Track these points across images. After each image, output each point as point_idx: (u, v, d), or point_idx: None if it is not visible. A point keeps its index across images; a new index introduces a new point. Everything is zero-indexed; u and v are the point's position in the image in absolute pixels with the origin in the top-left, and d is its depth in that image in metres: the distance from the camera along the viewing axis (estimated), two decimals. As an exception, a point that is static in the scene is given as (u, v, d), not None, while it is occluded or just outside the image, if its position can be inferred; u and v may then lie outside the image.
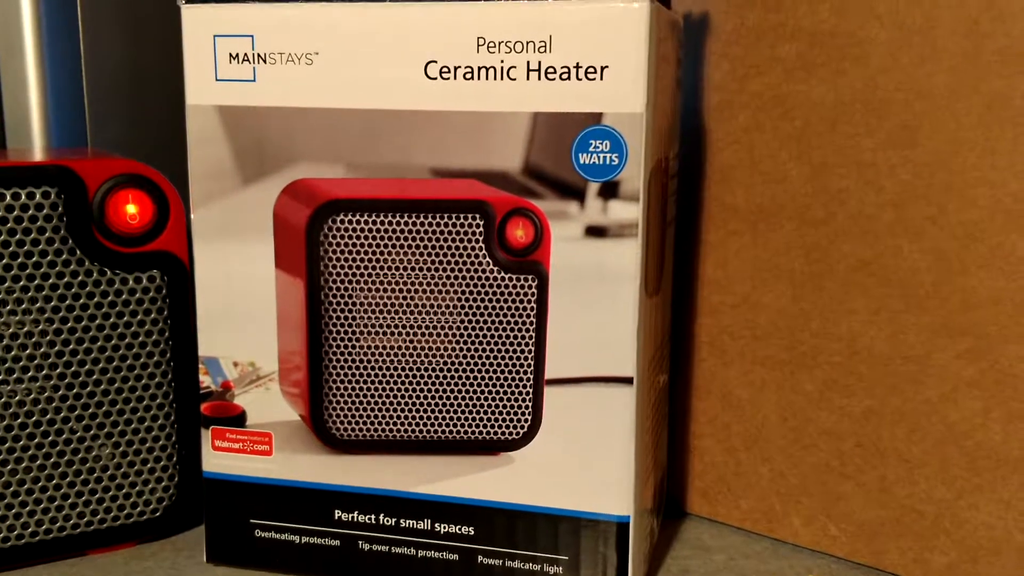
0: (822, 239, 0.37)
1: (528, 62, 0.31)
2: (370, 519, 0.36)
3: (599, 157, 0.31)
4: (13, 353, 0.36)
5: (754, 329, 0.39)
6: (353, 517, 0.36)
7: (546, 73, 0.31)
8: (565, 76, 0.31)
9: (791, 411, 0.39)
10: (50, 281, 0.36)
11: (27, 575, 0.37)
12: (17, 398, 0.36)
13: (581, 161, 0.32)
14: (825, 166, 0.37)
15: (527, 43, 0.31)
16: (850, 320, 0.37)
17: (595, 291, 0.32)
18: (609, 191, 0.32)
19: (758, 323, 0.39)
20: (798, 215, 0.37)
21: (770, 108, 0.38)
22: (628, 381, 0.33)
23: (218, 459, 0.36)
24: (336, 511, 0.36)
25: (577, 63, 0.31)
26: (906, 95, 0.34)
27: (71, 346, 0.37)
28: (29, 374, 0.36)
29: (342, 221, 0.34)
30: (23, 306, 0.36)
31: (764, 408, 0.39)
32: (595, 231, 0.32)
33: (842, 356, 0.37)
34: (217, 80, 0.34)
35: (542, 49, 0.31)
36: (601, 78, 0.31)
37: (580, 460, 0.33)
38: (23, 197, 0.35)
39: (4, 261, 0.35)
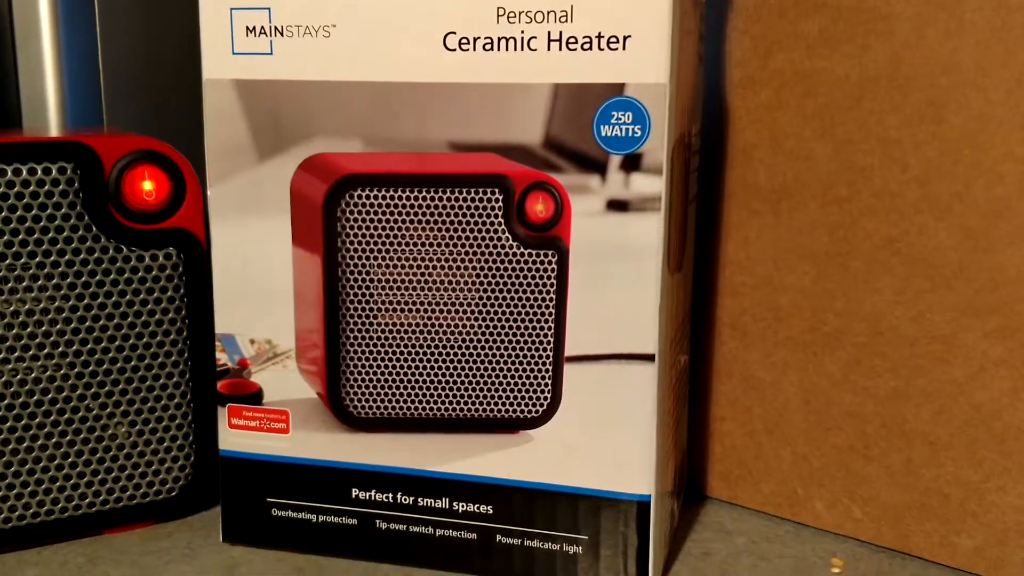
0: (846, 217, 0.36)
1: (549, 32, 0.31)
2: (387, 498, 0.35)
3: (621, 129, 0.31)
4: (29, 330, 0.36)
5: (776, 310, 0.38)
6: (370, 496, 0.35)
7: (567, 43, 0.31)
8: (587, 46, 0.31)
9: (814, 393, 0.38)
10: (66, 258, 0.36)
11: (43, 554, 0.37)
12: (33, 376, 0.36)
13: (603, 133, 0.31)
14: (849, 143, 0.36)
15: (548, 13, 0.31)
16: (875, 300, 0.36)
17: (617, 266, 0.32)
18: (631, 164, 0.31)
19: (780, 304, 0.38)
20: (821, 193, 0.37)
21: (793, 85, 0.37)
22: (650, 358, 0.32)
23: (235, 437, 0.36)
24: (353, 489, 0.35)
25: (599, 33, 0.30)
26: (932, 70, 0.34)
27: (87, 324, 0.36)
28: (45, 351, 0.36)
29: (360, 196, 0.33)
30: (39, 283, 0.36)
31: (786, 390, 0.39)
32: (617, 205, 0.32)
33: (866, 336, 0.36)
34: (234, 54, 0.34)
35: (563, 19, 0.31)
36: (624, 48, 0.30)
37: (600, 439, 0.33)
38: (39, 172, 0.35)
39: (20, 237, 0.35)
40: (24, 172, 0.35)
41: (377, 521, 0.35)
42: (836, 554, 0.37)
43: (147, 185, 0.37)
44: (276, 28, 0.33)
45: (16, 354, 0.36)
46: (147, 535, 0.38)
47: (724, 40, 0.39)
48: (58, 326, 0.36)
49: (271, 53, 0.33)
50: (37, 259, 0.35)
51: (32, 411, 0.36)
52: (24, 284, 0.35)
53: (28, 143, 0.35)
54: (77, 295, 0.36)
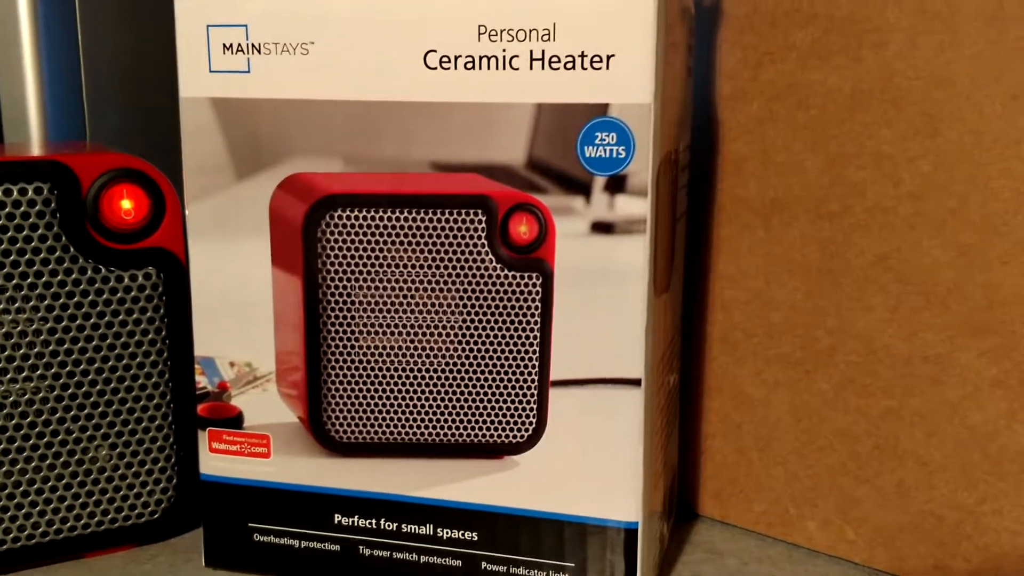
0: (838, 233, 0.36)
1: (531, 51, 0.30)
2: (371, 524, 0.35)
3: (605, 150, 0.30)
4: (7, 352, 0.35)
5: (767, 326, 0.38)
6: (353, 521, 0.35)
7: (550, 62, 0.30)
8: (570, 65, 0.30)
9: (805, 411, 0.37)
10: (44, 279, 0.35)
11: (23, 579, 0.36)
12: (12, 398, 0.35)
13: (587, 154, 0.30)
14: (841, 157, 0.35)
15: (530, 31, 0.30)
16: (867, 317, 0.35)
17: (602, 289, 0.31)
18: (616, 185, 0.30)
19: (772, 320, 0.38)
20: (813, 208, 0.36)
21: (784, 97, 0.36)
22: (636, 383, 0.31)
23: (215, 461, 0.36)
24: (336, 515, 0.35)
25: (582, 52, 0.30)
26: (926, 83, 0.33)
27: (66, 345, 0.36)
28: (23, 374, 0.35)
29: (340, 217, 0.33)
30: (16, 304, 0.35)
31: (778, 408, 0.38)
32: (602, 227, 0.31)
33: (859, 355, 0.36)
34: (211, 71, 0.33)
35: (546, 37, 0.30)
36: (607, 67, 0.30)
37: (586, 464, 0.32)
38: (15, 193, 0.34)
39: (-5, 259, 0.34)
40: (0, 193, 0.34)
41: (360, 547, 0.35)
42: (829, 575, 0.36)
43: (126, 204, 0.36)
44: (253, 45, 0.32)
45: (-7, 378, 0.35)
46: (129, 558, 0.38)
47: (714, 51, 0.38)
48: (36, 348, 0.35)
49: (248, 71, 0.33)
50: (14, 280, 0.35)
51: (11, 434, 0.35)
52: (1, 306, 0.35)
53: (5, 163, 0.34)
54: (55, 316, 0.35)
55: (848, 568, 0.37)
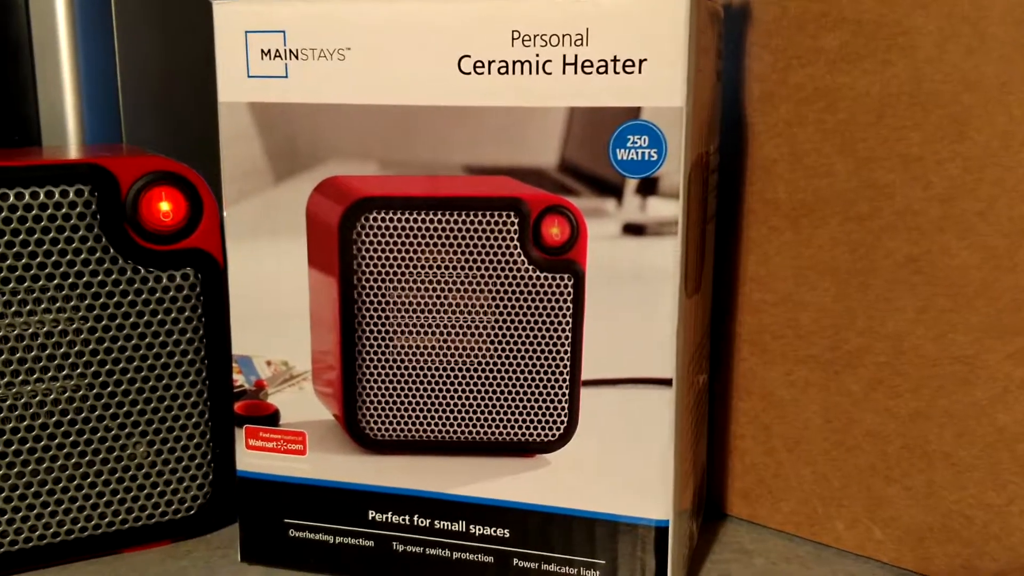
0: (867, 235, 0.36)
1: (564, 56, 0.31)
2: (404, 520, 0.35)
3: (637, 153, 0.31)
4: (48, 351, 0.36)
5: (797, 328, 0.38)
6: (387, 518, 0.35)
7: (583, 67, 0.31)
8: (602, 70, 0.30)
9: (834, 412, 0.38)
10: (84, 279, 0.36)
11: (63, 573, 0.37)
12: (52, 396, 0.36)
13: (619, 157, 0.31)
14: (870, 160, 0.36)
15: (563, 36, 0.31)
16: (896, 319, 0.36)
17: (633, 291, 0.31)
18: (648, 188, 0.31)
19: (800, 322, 0.38)
20: (842, 210, 0.36)
21: (813, 100, 0.37)
22: (667, 383, 0.32)
23: (252, 458, 0.36)
24: (370, 511, 0.35)
25: (615, 56, 0.30)
26: (954, 87, 0.33)
27: (105, 344, 0.36)
28: (64, 372, 0.36)
29: (375, 219, 0.33)
30: (57, 304, 0.36)
31: (807, 409, 0.38)
32: (633, 229, 0.31)
33: (888, 356, 0.36)
34: (249, 77, 0.34)
35: (579, 42, 0.30)
36: (639, 71, 0.30)
37: (617, 463, 0.33)
38: (56, 195, 0.35)
39: (38, 259, 0.35)
40: (42, 195, 0.35)
41: (394, 543, 0.35)
42: (856, 575, 0.36)
43: (164, 206, 0.37)
44: (291, 51, 0.33)
45: (36, 375, 0.36)
46: (166, 553, 0.38)
47: (743, 55, 0.38)
48: (76, 347, 0.36)
49: (286, 76, 0.33)
50: (55, 281, 0.36)
51: (51, 431, 0.36)
52: (43, 306, 0.35)
53: (45, 166, 0.35)
54: (95, 316, 0.36)
55: (876, 568, 0.37)
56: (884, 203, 0.35)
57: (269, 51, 0.33)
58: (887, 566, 0.37)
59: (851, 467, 0.37)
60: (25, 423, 0.36)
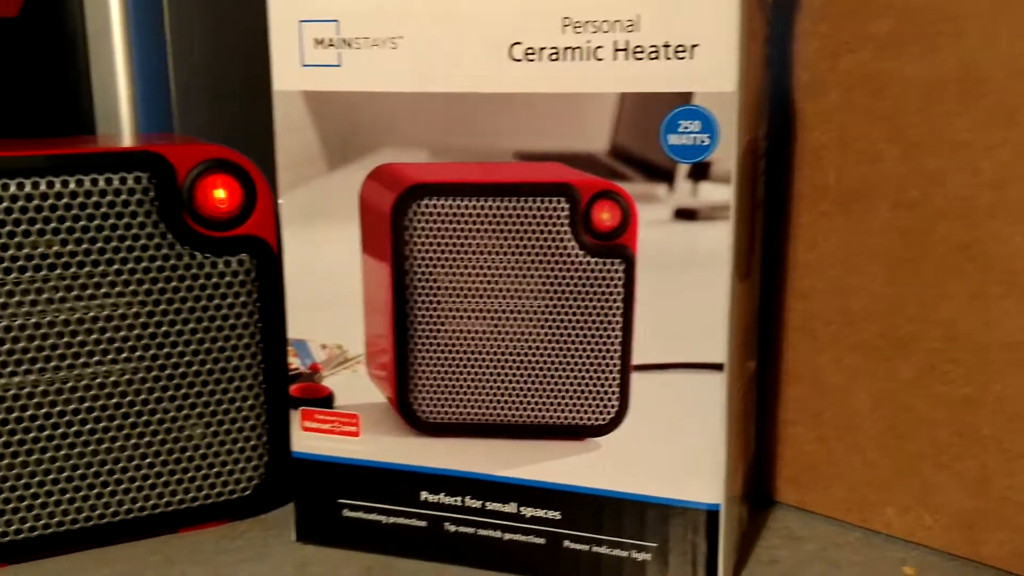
0: (918, 221, 0.36)
1: (615, 42, 0.31)
2: (456, 501, 0.36)
3: (689, 138, 0.31)
4: (108, 335, 0.37)
5: (847, 314, 0.38)
6: (439, 499, 0.36)
7: (634, 53, 0.31)
8: (654, 55, 0.31)
9: (885, 398, 0.37)
10: (142, 264, 0.37)
11: (121, 552, 0.38)
12: (111, 379, 0.37)
13: (670, 142, 0.31)
14: (919, 146, 0.35)
15: (614, 22, 0.31)
16: (948, 305, 0.35)
17: (685, 275, 0.32)
18: (699, 172, 0.31)
19: (851, 308, 0.38)
20: (893, 196, 0.36)
21: (861, 86, 0.37)
22: (719, 367, 0.32)
23: (307, 439, 0.37)
24: (422, 492, 0.36)
25: (666, 42, 0.30)
26: (1003, 73, 0.33)
27: (163, 328, 0.37)
28: (123, 355, 0.37)
29: (427, 205, 0.34)
30: (117, 289, 0.37)
31: (857, 395, 0.38)
32: (685, 214, 0.31)
33: (939, 342, 0.36)
34: (303, 66, 0.34)
35: (630, 28, 0.31)
36: (691, 57, 0.30)
37: (669, 447, 0.33)
38: (116, 182, 0.36)
39: (98, 245, 0.36)
40: (101, 182, 0.36)
41: (446, 524, 0.36)
42: (907, 562, 0.36)
43: (220, 193, 0.38)
44: (344, 40, 0.34)
45: (96, 358, 0.37)
46: (222, 533, 0.39)
47: (791, 41, 0.38)
48: (135, 331, 0.37)
49: (339, 65, 0.34)
50: (115, 266, 0.36)
51: (111, 413, 0.37)
52: (103, 290, 0.36)
53: (105, 153, 0.36)
54: (153, 300, 0.37)
55: (926, 553, 0.37)
56: (934, 189, 0.35)
57: (323, 40, 0.34)
58: (937, 552, 0.37)
59: (902, 453, 0.37)
60: (86, 405, 0.37)
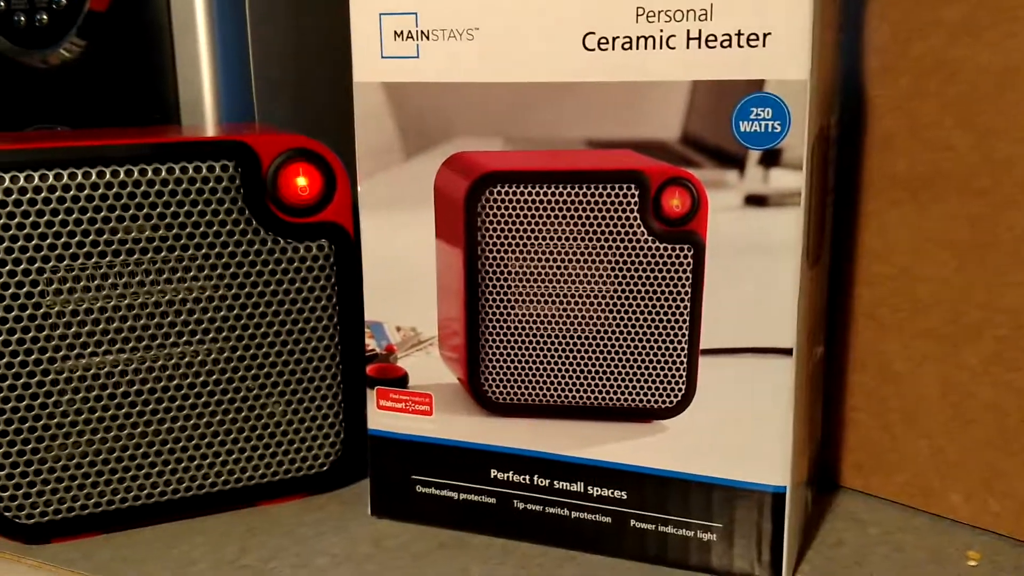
0: (987, 209, 0.36)
1: (688, 31, 0.31)
2: (524, 479, 0.37)
3: (760, 125, 0.31)
4: (195, 316, 0.38)
5: (915, 301, 0.38)
6: (508, 476, 0.37)
7: (706, 41, 0.31)
8: (726, 44, 0.31)
9: (952, 385, 0.38)
10: (228, 249, 0.38)
11: (203, 523, 0.40)
12: (198, 358, 0.39)
13: (741, 129, 0.32)
14: (991, 133, 0.35)
15: (687, 11, 0.31)
16: (1016, 293, 0.35)
17: (754, 261, 0.32)
18: (770, 159, 0.32)
19: (919, 295, 0.38)
20: (962, 184, 0.36)
21: (933, 73, 0.37)
22: (787, 352, 0.33)
23: (382, 418, 0.38)
24: (492, 470, 0.37)
25: (739, 30, 0.31)
26: (1084, 57, 0.33)
27: (247, 310, 0.39)
28: (209, 335, 0.39)
29: (499, 192, 0.35)
30: (204, 272, 0.38)
31: (924, 382, 0.38)
32: (755, 200, 0.32)
33: (1008, 329, 0.36)
34: (382, 57, 0.36)
35: (703, 17, 0.31)
36: (763, 45, 0.31)
37: (736, 430, 0.34)
38: (204, 170, 0.38)
39: (187, 230, 0.38)
40: (190, 169, 0.37)
41: (515, 501, 0.37)
42: (972, 547, 0.37)
43: (301, 181, 0.39)
44: (422, 32, 0.35)
45: (184, 338, 0.38)
46: (300, 507, 0.41)
47: (862, 27, 0.38)
48: (221, 312, 0.39)
49: (417, 56, 0.35)
50: (203, 250, 0.38)
51: (197, 391, 0.39)
52: (191, 273, 0.38)
53: (193, 142, 0.38)
54: (238, 283, 0.39)
55: (992, 539, 0.37)
56: (1004, 177, 0.35)
57: (402, 32, 0.35)
58: (1004, 537, 0.37)
59: (968, 440, 0.37)
60: (175, 383, 0.39)
